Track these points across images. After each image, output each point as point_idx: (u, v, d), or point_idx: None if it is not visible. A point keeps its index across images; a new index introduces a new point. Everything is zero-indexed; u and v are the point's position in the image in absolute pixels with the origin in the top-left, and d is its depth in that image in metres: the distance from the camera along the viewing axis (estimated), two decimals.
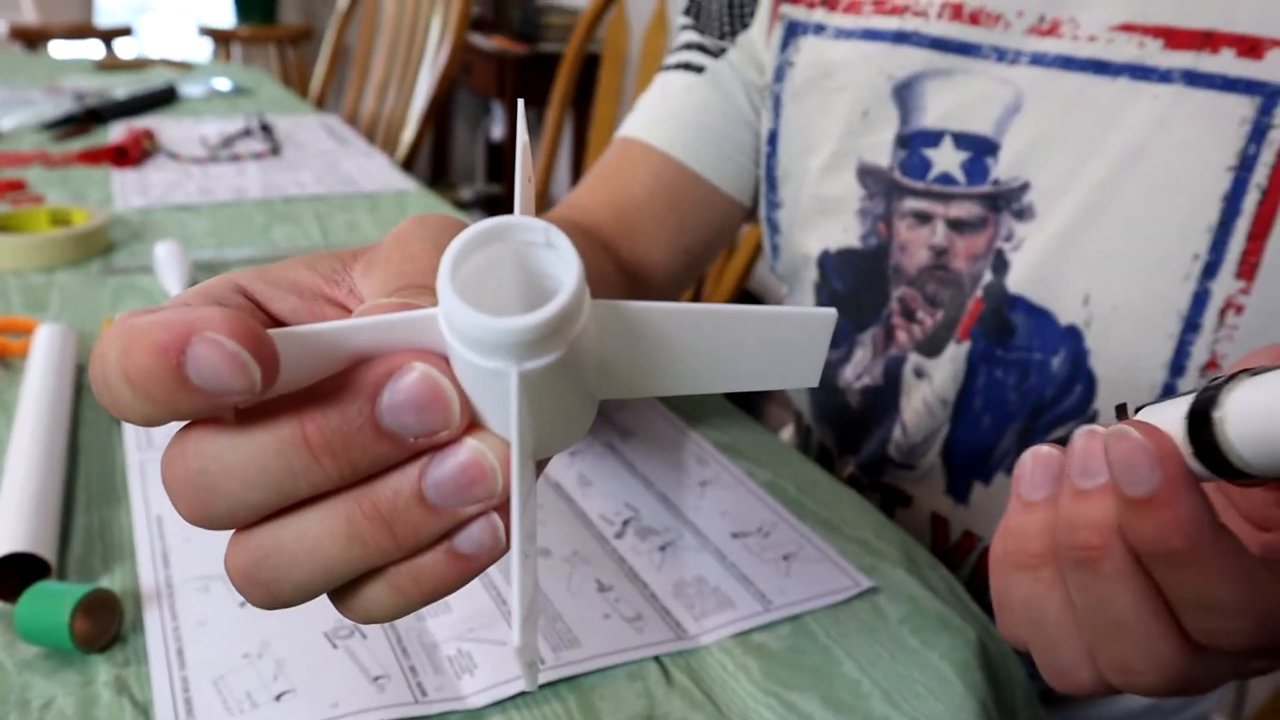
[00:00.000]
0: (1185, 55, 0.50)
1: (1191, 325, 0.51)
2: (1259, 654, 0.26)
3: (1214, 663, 0.27)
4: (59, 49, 2.80)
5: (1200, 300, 0.50)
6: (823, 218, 0.64)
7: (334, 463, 0.21)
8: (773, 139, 0.67)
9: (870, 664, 0.42)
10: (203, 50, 3.19)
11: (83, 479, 0.51)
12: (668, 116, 0.69)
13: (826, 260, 0.64)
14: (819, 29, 0.63)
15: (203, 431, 0.21)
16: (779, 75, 0.65)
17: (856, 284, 0.63)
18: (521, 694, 0.38)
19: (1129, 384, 0.53)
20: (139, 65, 1.78)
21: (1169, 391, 0.52)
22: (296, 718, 0.35)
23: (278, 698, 0.36)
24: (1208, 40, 0.49)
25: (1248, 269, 0.49)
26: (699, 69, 0.69)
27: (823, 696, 0.40)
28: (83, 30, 2.86)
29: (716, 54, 0.69)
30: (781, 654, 0.42)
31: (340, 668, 0.38)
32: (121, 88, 1.47)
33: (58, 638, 0.38)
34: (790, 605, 0.44)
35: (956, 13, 0.57)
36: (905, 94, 0.59)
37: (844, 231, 0.63)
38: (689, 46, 0.70)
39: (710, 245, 0.71)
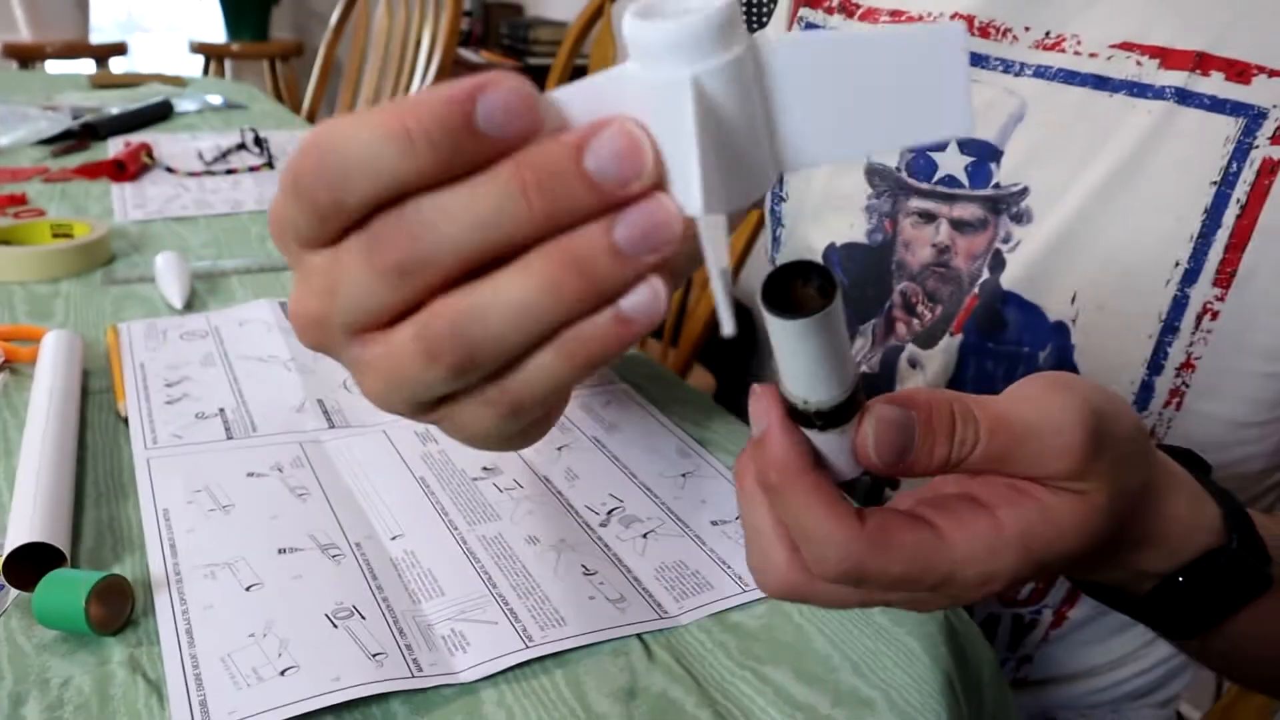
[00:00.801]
0: (1179, 75, 0.53)
1: (1170, 327, 0.54)
2: (860, 583, 0.31)
3: (826, 589, 0.32)
4: (53, 66, 2.82)
5: (1179, 304, 0.53)
6: (831, 213, 0.67)
7: (540, 199, 0.23)
8: None
9: (841, 640, 0.44)
10: (195, 66, 3.21)
11: (91, 477, 0.53)
12: None
13: (832, 253, 0.68)
14: None
15: (425, 192, 0.24)
16: None
17: (862, 278, 0.66)
18: (511, 669, 0.41)
19: (1110, 379, 0.56)
20: (133, 81, 1.80)
21: (1147, 389, 0.55)
22: (300, 690, 0.38)
23: (282, 673, 0.39)
24: (1200, 62, 0.52)
25: (1224, 278, 0.52)
26: None
27: (795, 670, 0.42)
28: (77, 49, 2.88)
29: None
30: (757, 631, 0.44)
31: (341, 646, 0.40)
32: (117, 104, 1.50)
33: (74, 621, 0.41)
34: None
35: (968, 24, 0.60)
36: None
37: (850, 227, 0.66)
38: None
39: None
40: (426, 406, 0.28)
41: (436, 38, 1.93)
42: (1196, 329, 0.53)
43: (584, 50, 1.59)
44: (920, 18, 0.62)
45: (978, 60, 0.60)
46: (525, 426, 0.29)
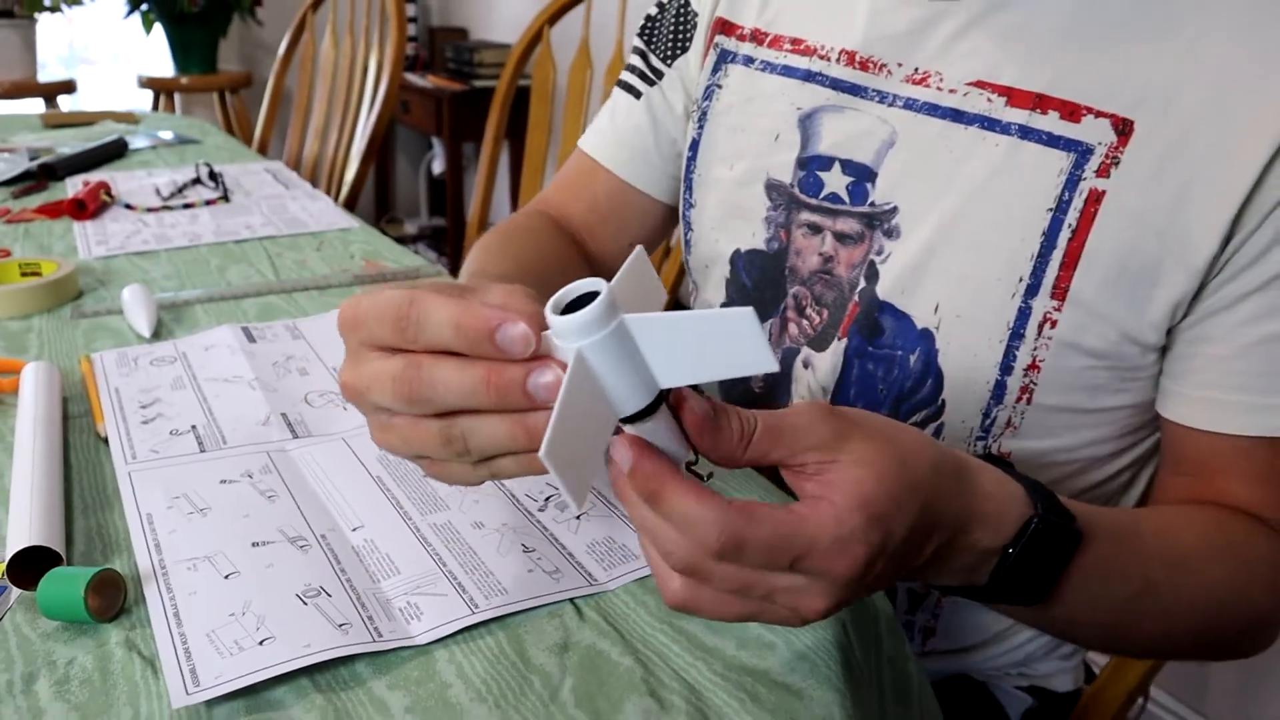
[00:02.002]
0: (1022, 113, 0.60)
1: (1017, 334, 0.61)
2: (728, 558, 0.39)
3: (719, 571, 0.39)
4: (2, 106, 2.85)
5: (1024, 314, 0.61)
6: (736, 221, 0.75)
7: (496, 394, 0.38)
8: (694, 147, 0.78)
9: None
10: (144, 100, 3.24)
11: (77, 491, 0.59)
12: (610, 135, 0.85)
13: (738, 258, 0.75)
14: (748, 60, 0.74)
15: (442, 360, 0.39)
16: (707, 94, 0.77)
17: (761, 281, 0.73)
18: (460, 632, 0.47)
19: (968, 380, 0.64)
20: (86, 120, 1.85)
21: (1000, 387, 0.63)
22: (277, 656, 0.44)
23: (260, 643, 0.45)
24: (1039, 103, 0.60)
25: (1060, 292, 0.60)
26: (638, 94, 0.83)
27: (706, 623, 0.49)
28: (26, 88, 2.90)
29: (653, 81, 0.82)
30: None
31: (310, 619, 0.46)
32: (73, 143, 1.54)
33: (75, 612, 0.47)
34: None
35: (850, 59, 0.68)
36: (807, 123, 0.70)
37: (753, 235, 0.73)
38: (633, 69, 0.84)
39: (648, 239, 0.88)
40: (420, 457, 0.43)
41: (383, 65, 1.98)
42: (1039, 336, 0.61)
43: (526, 71, 1.65)
44: (814, 50, 0.70)
45: (858, 90, 0.67)
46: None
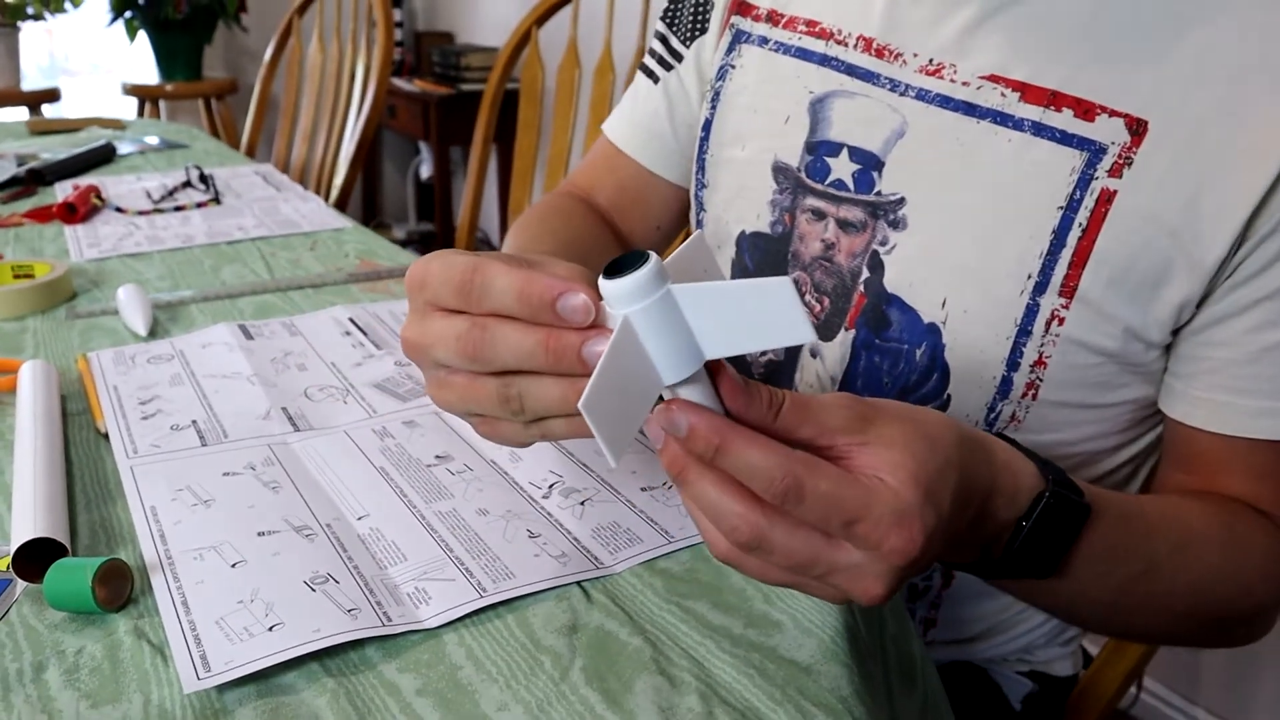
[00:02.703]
0: (1035, 109, 0.60)
1: (1024, 331, 0.61)
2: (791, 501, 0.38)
3: (792, 527, 0.39)
4: None
5: (1031, 311, 0.61)
6: (743, 203, 0.75)
7: (553, 357, 0.40)
8: (707, 127, 0.78)
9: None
10: (128, 108, 3.23)
11: (79, 485, 0.59)
12: (631, 122, 0.86)
13: (743, 240, 0.75)
14: (762, 41, 0.74)
15: (504, 322, 0.41)
16: (721, 74, 0.77)
17: (763, 264, 0.74)
18: (469, 615, 0.47)
19: (974, 376, 0.64)
20: (72, 126, 1.84)
21: (1006, 382, 0.63)
22: (287, 641, 0.44)
23: (270, 629, 0.45)
24: (1053, 99, 0.59)
25: (1068, 290, 0.60)
26: (656, 78, 0.84)
27: (713, 602, 0.49)
28: (10, 96, 2.89)
29: (672, 65, 0.82)
30: (681, 574, 0.51)
31: (319, 605, 0.47)
32: (60, 149, 1.54)
33: (82, 601, 0.47)
34: (689, 538, 0.54)
35: (867, 45, 0.68)
36: (818, 108, 0.70)
37: (758, 218, 0.74)
38: (653, 53, 0.84)
39: (673, 221, 0.89)
40: (474, 415, 0.45)
41: (370, 69, 1.98)
42: (1046, 333, 0.61)
43: (514, 74, 1.65)
44: (831, 34, 0.70)
45: (870, 77, 0.67)
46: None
